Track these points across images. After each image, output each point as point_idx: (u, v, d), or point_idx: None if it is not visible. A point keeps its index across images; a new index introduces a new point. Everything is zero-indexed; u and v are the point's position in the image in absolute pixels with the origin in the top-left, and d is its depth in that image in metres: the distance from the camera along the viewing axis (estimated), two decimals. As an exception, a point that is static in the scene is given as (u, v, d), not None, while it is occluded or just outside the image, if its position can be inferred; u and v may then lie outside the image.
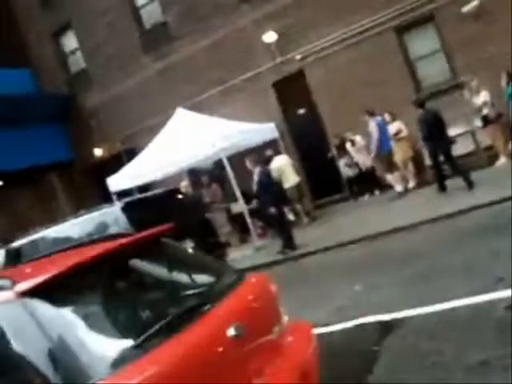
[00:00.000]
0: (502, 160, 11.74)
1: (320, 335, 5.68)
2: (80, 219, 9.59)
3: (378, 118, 12.67)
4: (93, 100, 18.82)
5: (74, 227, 9.49)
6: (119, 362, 2.61)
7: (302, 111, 15.69)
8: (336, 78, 14.29)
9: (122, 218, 8.48)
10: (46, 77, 19.57)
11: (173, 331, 2.89)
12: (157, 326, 2.88)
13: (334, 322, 5.89)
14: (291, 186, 13.56)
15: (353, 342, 5.31)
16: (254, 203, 12.76)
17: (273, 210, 10.78)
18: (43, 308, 2.75)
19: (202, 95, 16.07)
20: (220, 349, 2.99)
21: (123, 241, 3.58)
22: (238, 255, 11.98)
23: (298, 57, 14.81)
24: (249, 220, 12.68)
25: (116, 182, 14.33)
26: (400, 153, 12.84)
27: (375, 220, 10.81)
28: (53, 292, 2.80)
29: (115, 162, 16.88)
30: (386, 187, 13.40)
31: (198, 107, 14.97)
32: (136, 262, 3.69)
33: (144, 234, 3.76)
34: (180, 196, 10.29)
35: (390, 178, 12.75)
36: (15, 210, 21.28)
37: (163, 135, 14.28)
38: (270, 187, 11.14)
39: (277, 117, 15.30)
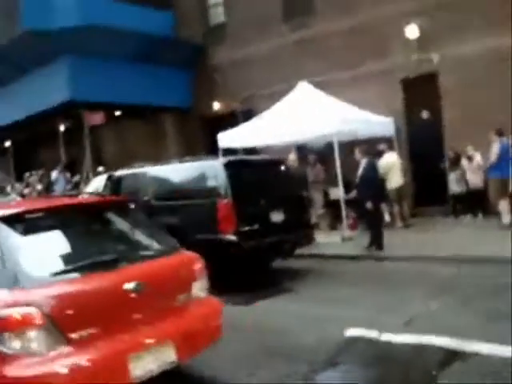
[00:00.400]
0: None
1: (383, 342, 5.60)
2: (183, 165, 9.83)
3: (505, 140, 12.01)
4: (223, 55, 19.10)
5: (175, 171, 9.76)
6: (41, 280, 3.85)
7: (425, 114, 15.18)
8: (470, 88, 13.66)
9: (222, 175, 8.59)
10: (186, 24, 20.02)
11: (88, 271, 4.07)
12: (77, 264, 4.09)
13: (401, 332, 5.76)
14: (394, 187, 13.27)
15: (414, 358, 5.16)
16: (353, 193, 12.59)
17: (370, 205, 10.60)
18: (5, 230, 4.07)
19: (330, 74, 15.88)
20: (116, 294, 4.07)
21: (92, 198, 5.42)
22: (325, 240, 11.89)
23: (436, 58, 14.28)
24: (344, 209, 12.56)
25: (226, 139, 14.58)
26: (516, 182, 12.17)
27: (471, 243, 10.38)
28: (15, 222, 4.17)
29: (230, 120, 17.15)
30: (491, 213, 12.78)
31: (322, 85, 14.82)
32: (97, 216, 4.98)
33: (115, 198, 5.95)
34: (283, 168, 10.27)
35: (501, 204, 12.10)
36: (127, 140, 22.28)
37: (282, 105, 14.34)
38: (373, 181, 10.94)
39: (399, 113, 14.92)
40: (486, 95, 13.29)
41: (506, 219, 11.83)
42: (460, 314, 6.29)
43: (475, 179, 13.27)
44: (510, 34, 12.89)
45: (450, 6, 13.95)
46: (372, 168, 11.08)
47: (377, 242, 10.73)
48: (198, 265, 4.86)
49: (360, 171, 11.02)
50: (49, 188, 19.13)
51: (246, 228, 8.45)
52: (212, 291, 4.93)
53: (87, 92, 16.67)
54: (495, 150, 11.88)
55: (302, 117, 13.00)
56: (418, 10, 14.43)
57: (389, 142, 14.12)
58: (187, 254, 5.01)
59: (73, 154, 22.24)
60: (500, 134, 12.01)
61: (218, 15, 19.93)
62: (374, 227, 10.95)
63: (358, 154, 11.17)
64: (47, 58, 16.97)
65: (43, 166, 21.91)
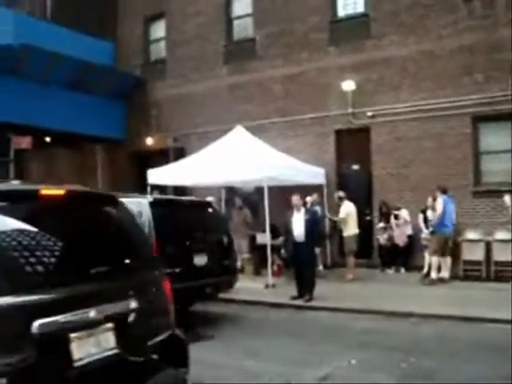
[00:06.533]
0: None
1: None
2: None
3: (446, 197, 12.17)
4: (161, 91, 18.96)
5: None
6: None
7: (356, 167, 15.45)
8: (399, 147, 14.07)
9: (148, 213, 8.31)
10: (126, 56, 19.86)
11: None
12: None
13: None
14: (352, 234, 13.23)
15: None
16: (280, 240, 12.50)
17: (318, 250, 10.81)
18: None
19: (266, 120, 16.02)
20: None
21: None
22: (247, 285, 11.67)
23: (369, 113, 14.62)
24: (269, 255, 12.44)
25: (156, 175, 14.28)
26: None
27: (395, 297, 10.52)
28: None
29: (161, 156, 16.94)
30: (413, 268, 13.09)
31: (258, 130, 14.92)
32: None
33: None
34: (210, 210, 10.07)
35: (432, 261, 12.23)
36: (54, 168, 21.59)
37: (215, 146, 14.25)
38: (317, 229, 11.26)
39: (330, 164, 15.13)
40: (415, 152, 13.72)
41: (433, 274, 11.99)
42: (378, 369, 6.19)
43: (400, 235, 13.52)
44: (440, 91, 13.50)
45: (385, 64, 14.44)
46: (316, 216, 11.37)
47: (310, 292, 10.54)
48: None
49: (305, 218, 10.78)
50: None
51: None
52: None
53: (16, 114, 16.03)
54: (439, 204, 12.02)
55: (233, 160, 12.91)
56: (355, 65, 14.84)
57: (319, 191, 14.23)
58: None
59: (-6, 176, 21.33)
60: (443, 191, 12.16)
61: (158, 51, 19.86)
62: (311, 277, 10.81)
63: (297, 200, 10.92)
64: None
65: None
